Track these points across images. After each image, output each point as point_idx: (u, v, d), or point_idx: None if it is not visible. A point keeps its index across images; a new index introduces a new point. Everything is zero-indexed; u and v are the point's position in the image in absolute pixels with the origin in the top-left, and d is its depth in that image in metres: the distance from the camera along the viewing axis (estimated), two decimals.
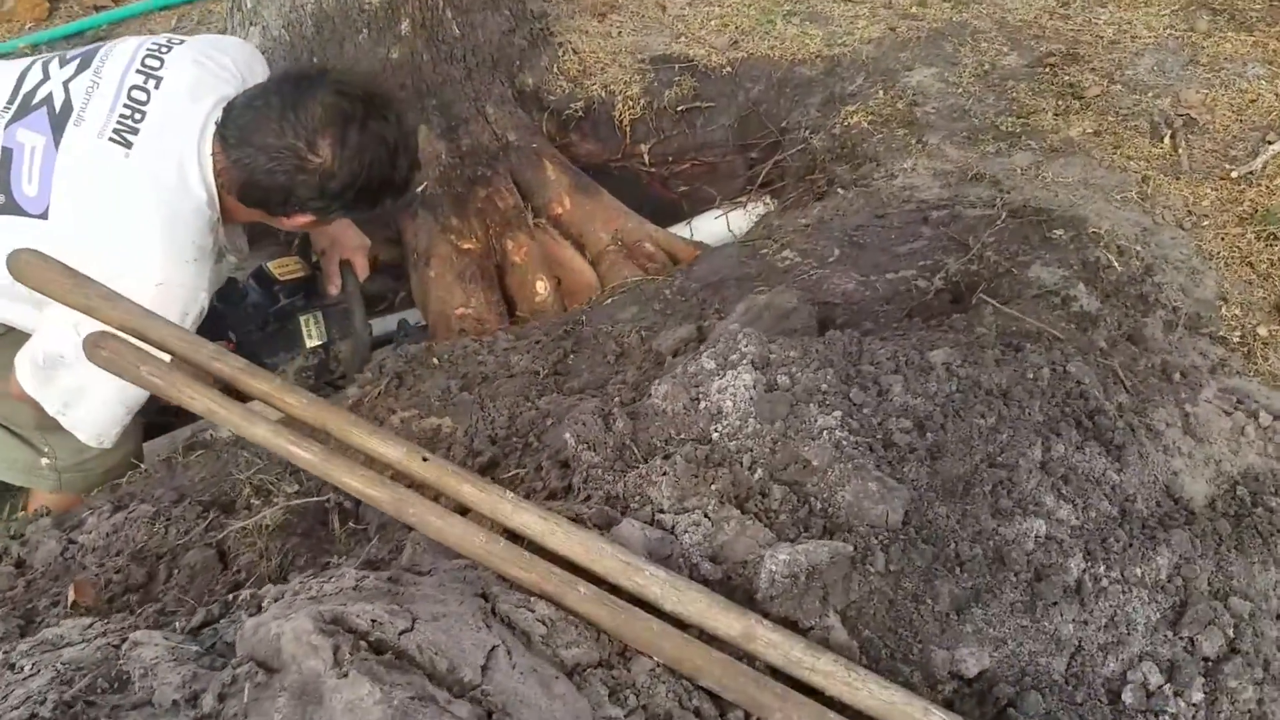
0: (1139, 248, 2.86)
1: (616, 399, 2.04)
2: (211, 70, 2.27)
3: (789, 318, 2.38)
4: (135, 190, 2.10)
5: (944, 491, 1.84)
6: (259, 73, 2.40)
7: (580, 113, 3.89)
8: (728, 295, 2.78)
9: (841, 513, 1.75)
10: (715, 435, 1.87)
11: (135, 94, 2.18)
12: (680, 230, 3.81)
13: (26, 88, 2.22)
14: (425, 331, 3.27)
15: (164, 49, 2.28)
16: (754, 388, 1.90)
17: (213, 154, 2.17)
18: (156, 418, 2.86)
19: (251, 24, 3.53)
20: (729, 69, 4.03)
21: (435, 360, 2.60)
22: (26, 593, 2.02)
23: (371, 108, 2.21)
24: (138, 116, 2.15)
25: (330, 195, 2.23)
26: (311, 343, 2.82)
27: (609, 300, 2.90)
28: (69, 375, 2.16)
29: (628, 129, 3.93)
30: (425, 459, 1.59)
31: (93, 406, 2.21)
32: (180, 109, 2.18)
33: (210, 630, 1.55)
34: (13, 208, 2.11)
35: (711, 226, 3.83)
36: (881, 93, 3.78)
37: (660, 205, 4.06)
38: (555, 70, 3.93)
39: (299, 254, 2.91)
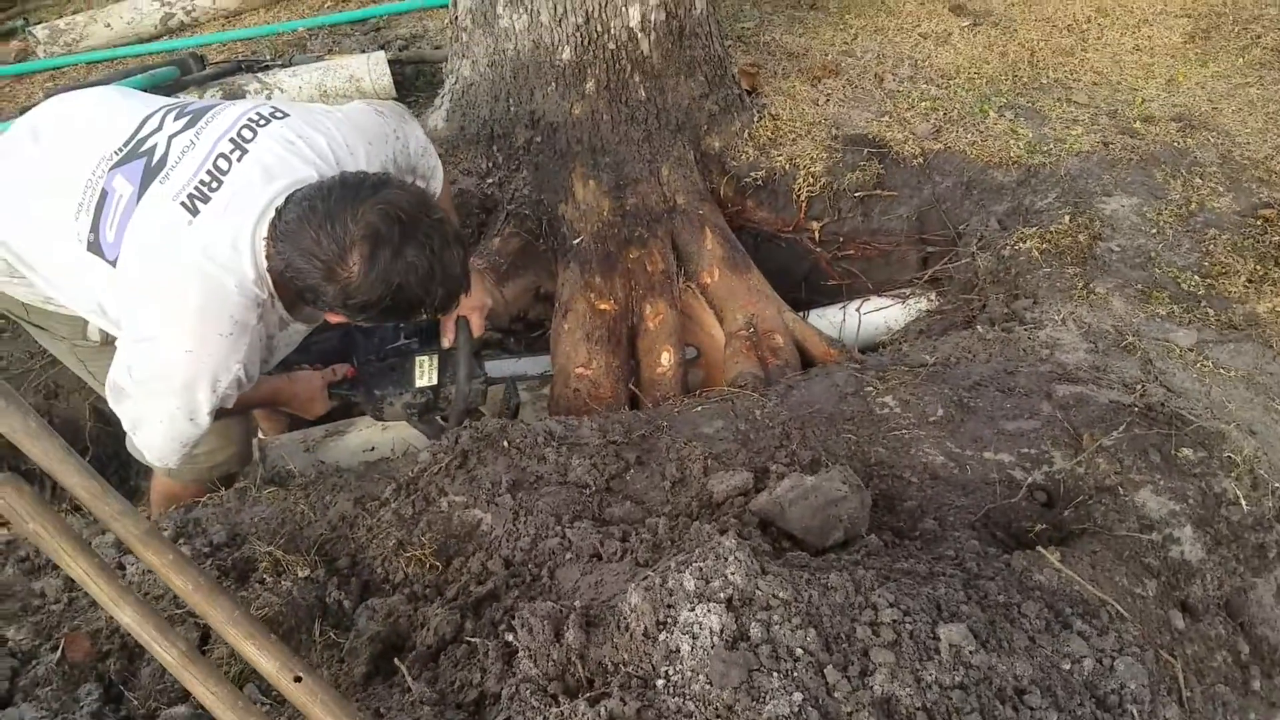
0: None
1: (577, 604, 1.65)
2: (298, 151, 1.99)
3: (836, 506, 1.91)
4: (185, 258, 1.87)
5: None
6: (362, 157, 2.07)
7: (760, 181, 3.41)
8: (810, 436, 2.31)
9: None
10: (661, 681, 1.46)
11: (219, 162, 1.94)
12: (834, 313, 3.32)
13: (142, 134, 2.01)
14: (549, 379, 2.98)
15: (262, 121, 2.01)
16: (719, 634, 1.47)
17: (265, 238, 1.91)
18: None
19: (464, 56, 3.24)
20: (920, 159, 3.44)
21: (506, 443, 2.28)
22: (58, 620, 1.88)
23: (410, 232, 1.87)
24: (214, 185, 1.91)
25: (353, 307, 1.94)
26: (421, 383, 2.56)
27: (699, 408, 2.48)
28: (130, 405, 2.00)
29: (804, 204, 3.43)
30: (298, 679, 1.29)
31: (150, 436, 2.04)
32: (251, 186, 1.92)
33: None
34: (97, 248, 1.93)
35: (868, 315, 3.31)
36: (1069, 218, 3.11)
37: (820, 283, 3.57)
38: (746, 136, 3.45)
39: None
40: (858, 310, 3.25)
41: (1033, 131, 3.58)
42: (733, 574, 1.56)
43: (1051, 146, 3.48)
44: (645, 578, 1.60)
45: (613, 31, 3.02)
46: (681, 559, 1.63)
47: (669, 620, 1.54)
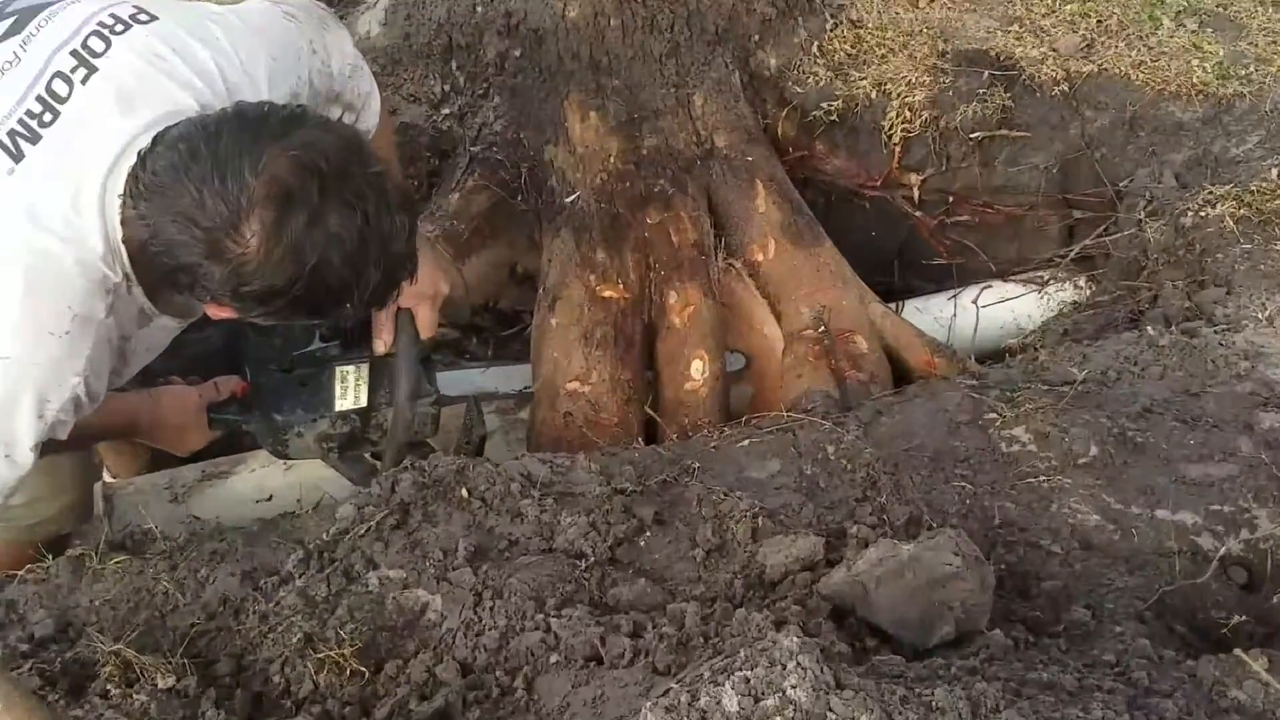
0: None
1: None
2: (171, 69, 1.94)
3: (944, 587, 1.88)
4: (3, 223, 1.82)
5: None
6: (264, 79, 1.98)
7: (835, 115, 3.42)
8: (907, 484, 2.29)
9: None
10: None
11: (56, 85, 1.89)
12: (940, 305, 3.30)
13: None
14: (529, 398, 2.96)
15: (119, 26, 1.96)
16: None
17: (121, 196, 1.85)
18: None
19: None
20: (1064, 85, 3.41)
21: (465, 492, 2.25)
22: None
23: (334, 191, 1.81)
24: (47, 118, 1.86)
25: (248, 297, 1.87)
26: (344, 404, 2.51)
27: (746, 442, 2.45)
28: None
29: (898, 148, 3.43)
30: None
31: None
32: (102, 120, 1.88)
33: None
34: None
35: (989, 309, 3.32)
36: (1277, 172, 3.07)
37: (921, 261, 3.56)
38: (815, 50, 3.46)
39: None
40: (974, 301, 3.27)
41: (1225, 48, 3.56)
42: (793, 688, 1.52)
43: (1253, 69, 3.46)
44: (666, 693, 1.57)
45: None
46: (719, 665, 1.60)
47: None
